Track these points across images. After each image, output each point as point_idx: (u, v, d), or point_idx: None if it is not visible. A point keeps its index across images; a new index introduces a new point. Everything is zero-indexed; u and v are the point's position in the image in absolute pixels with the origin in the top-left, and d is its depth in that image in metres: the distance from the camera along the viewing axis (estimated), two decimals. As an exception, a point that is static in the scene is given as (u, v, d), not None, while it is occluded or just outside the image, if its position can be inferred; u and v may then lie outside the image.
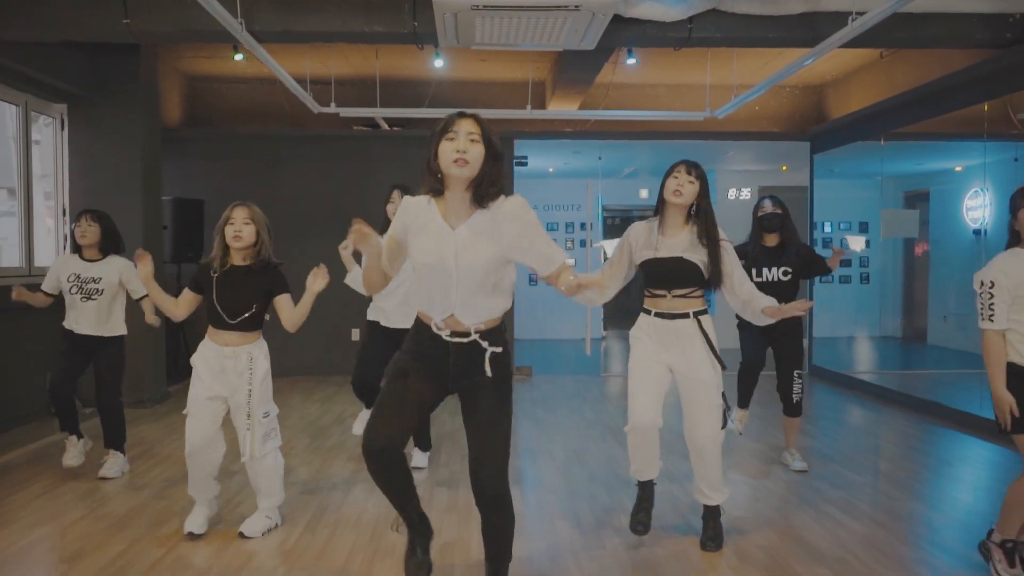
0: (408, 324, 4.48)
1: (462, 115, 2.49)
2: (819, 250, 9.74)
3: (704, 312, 3.45)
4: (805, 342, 10.21)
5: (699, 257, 3.40)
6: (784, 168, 10.85)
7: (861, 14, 4.70)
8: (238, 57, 7.18)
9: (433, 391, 2.63)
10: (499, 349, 2.59)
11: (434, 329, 2.56)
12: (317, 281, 3.54)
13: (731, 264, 3.42)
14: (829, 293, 9.76)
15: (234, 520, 3.87)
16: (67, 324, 4.57)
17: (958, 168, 9.03)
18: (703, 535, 3.57)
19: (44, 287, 4.54)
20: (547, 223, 12.26)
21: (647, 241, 3.48)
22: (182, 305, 3.65)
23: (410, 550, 2.78)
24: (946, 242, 9.55)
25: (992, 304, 3.01)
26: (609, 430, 5.92)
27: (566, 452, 5.29)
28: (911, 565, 3.38)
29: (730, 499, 4.24)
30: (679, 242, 3.43)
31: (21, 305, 4.47)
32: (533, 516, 3.99)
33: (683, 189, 3.36)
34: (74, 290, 4.51)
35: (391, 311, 4.65)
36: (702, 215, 3.41)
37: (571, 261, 2.64)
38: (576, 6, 4.31)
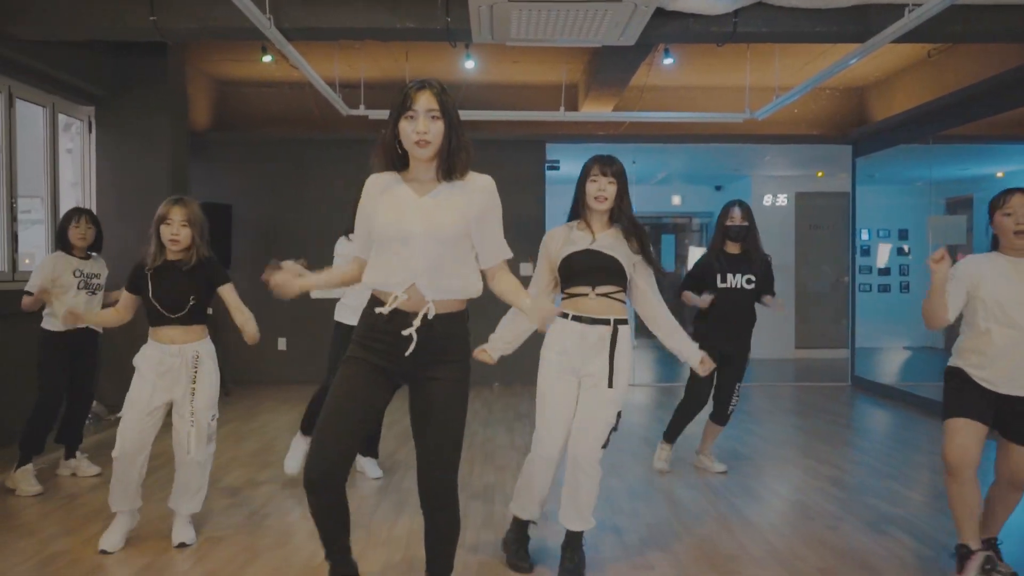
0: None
1: (421, 87, 2.31)
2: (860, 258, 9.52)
3: (624, 322, 3.19)
4: (836, 352, 10.00)
5: (624, 255, 3.19)
6: (820, 174, 10.57)
7: (918, 5, 4.45)
8: (267, 59, 7.08)
9: (384, 389, 2.43)
10: (458, 335, 2.41)
11: (388, 311, 2.33)
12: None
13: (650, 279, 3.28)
14: (870, 303, 9.44)
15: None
16: (54, 326, 4.42)
17: (999, 174, 8.71)
18: (561, 566, 3.22)
19: (32, 288, 4.39)
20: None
21: (567, 239, 3.26)
22: (122, 310, 3.56)
23: None
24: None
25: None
26: (644, 441, 5.67)
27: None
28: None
29: (774, 515, 4.02)
30: (604, 238, 3.22)
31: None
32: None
33: (605, 193, 3.16)
34: (81, 286, 4.47)
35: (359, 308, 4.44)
36: (625, 216, 3.21)
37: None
38: (617, 0, 4.11)
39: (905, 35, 4.81)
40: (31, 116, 6.09)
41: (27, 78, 5.73)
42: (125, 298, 3.55)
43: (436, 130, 2.29)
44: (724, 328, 4.60)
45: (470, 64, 7.05)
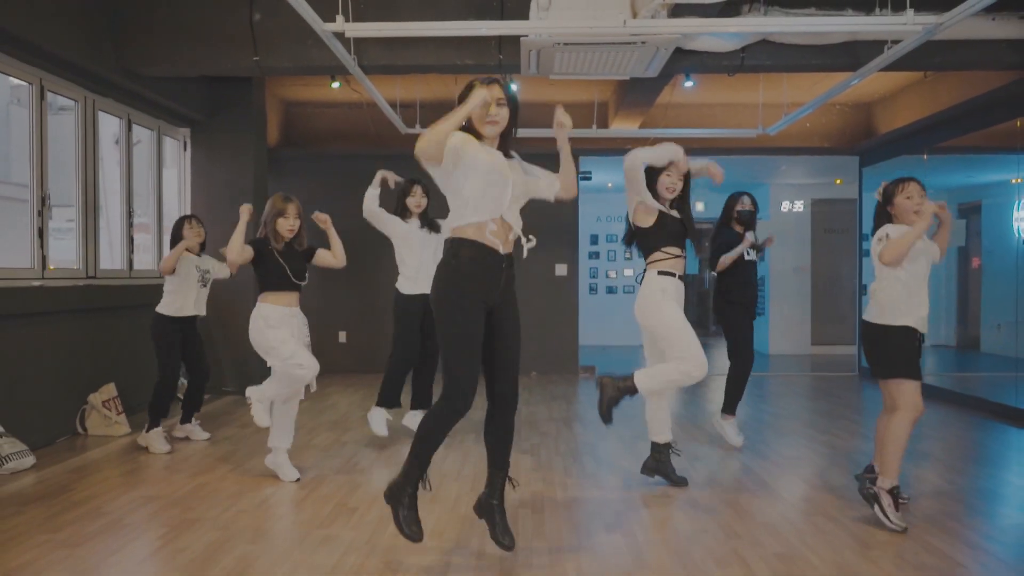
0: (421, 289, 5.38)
1: (491, 81, 3.12)
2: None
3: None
4: (849, 348, 10.76)
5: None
6: (838, 181, 11.37)
7: (896, 43, 5.31)
8: (335, 85, 8.08)
9: (484, 322, 3.12)
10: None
11: (489, 244, 3.05)
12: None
13: None
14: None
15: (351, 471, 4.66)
16: (176, 312, 5.45)
17: (1015, 180, 9.44)
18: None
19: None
20: (605, 235, 12.98)
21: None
22: (245, 252, 4.45)
23: (411, 503, 3.19)
24: (999, 252, 9.94)
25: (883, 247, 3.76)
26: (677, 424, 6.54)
27: (632, 432, 5.93)
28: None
29: (789, 480, 4.87)
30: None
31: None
32: (605, 476, 4.68)
33: (675, 186, 4.40)
34: (197, 277, 5.55)
35: (412, 278, 5.47)
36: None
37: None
38: (643, 42, 5.03)
39: (891, 65, 5.66)
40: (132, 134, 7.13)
41: (141, 106, 6.79)
42: (246, 250, 4.46)
43: (503, 115, 3.13)
44: (750, 293, 5.51)
45: (513, 87, 7.99)
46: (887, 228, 3.85)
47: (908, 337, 3.82)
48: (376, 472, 4.73)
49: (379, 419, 5.48)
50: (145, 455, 5.17)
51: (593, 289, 13.07)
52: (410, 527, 3.15)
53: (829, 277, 12.00)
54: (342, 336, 9.45)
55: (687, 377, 4.10)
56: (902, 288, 3.80)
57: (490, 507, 3.28)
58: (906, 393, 3.78)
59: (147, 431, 5.32)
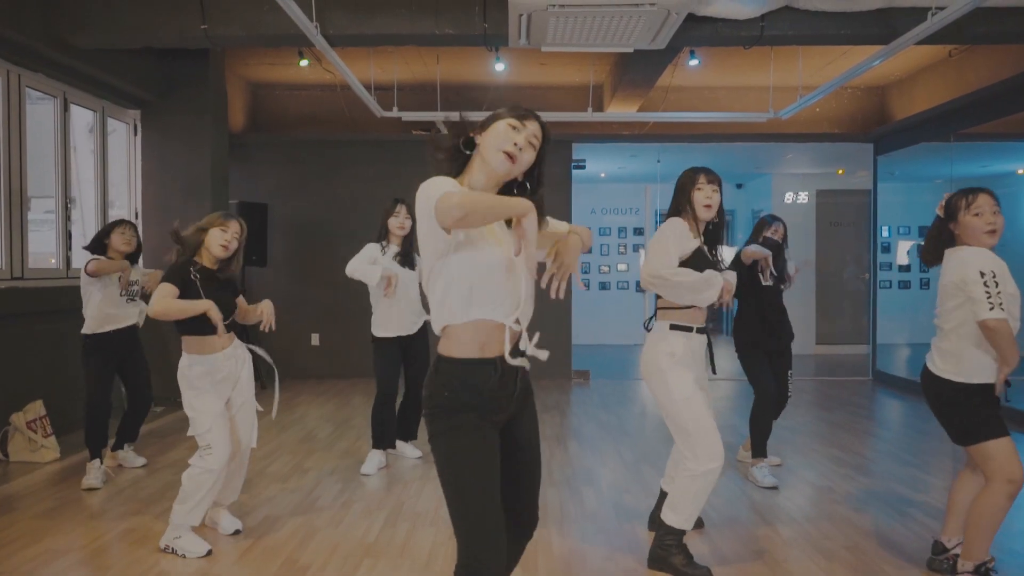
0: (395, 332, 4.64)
1: (535, 116, 2.16)
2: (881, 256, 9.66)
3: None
4: (856, 348, 10.12)
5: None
6: (840, 172, 10.70)
7: (941, 8, 4.61)
8: (303, 63, 7.32)
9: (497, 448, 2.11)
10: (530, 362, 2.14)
11: (493, 354, 2.03)
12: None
13: None
14: (889, 299, 9.57)
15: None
16: (95, 329, 4.58)
17: (1021, 171, 8.80)
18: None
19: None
20: (599, 227, 12.26)
21: (687, 236, 3.28)
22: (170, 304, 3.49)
23: None
24: (1010, 246, 9.29)
25: (999, 293, 2.88)
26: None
27: (635, 454, 5.25)
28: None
29: (802, 498, 4.19)
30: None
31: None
32: (609, 517, 3.97)
33: (711, 201, 3.33)
34: (122, 292, 4.64)
35: (382, 323, 4.76)
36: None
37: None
38: (652, 3, 4.29)
39: (928, 37, 4.96)
40: (75, 118, 6.34)
41: (80, 84, 6.00)
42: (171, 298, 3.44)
43: (527, 158, 2.11)
44: (768, 325, 4.75)
45: (500, 67, 7.25)
46: (974, 262, 2.96)
47: (988, 394, 3.00)
48: (336, 513, 4.00)
49: (372, 461, 4.80)
50: (70, 490, 4.41)
51: (586, 285, 12.35)
52: None
53: (835, 273, 11.34)
54: (315, 339, 8.70)
55: (710, 477, 3.14)
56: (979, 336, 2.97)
57: None
58: (996, 457, 2.94)
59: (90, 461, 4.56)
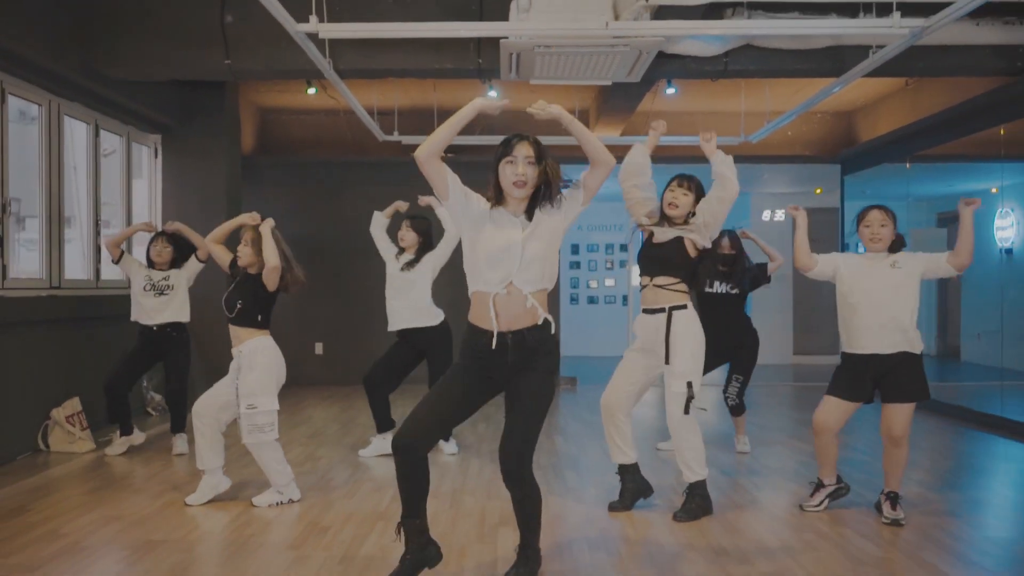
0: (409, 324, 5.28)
1: (520, 138, 2.85)
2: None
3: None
4: (832, 358, 10.67)
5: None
6: (818, 191, 11.33)
7: (881, 47, 5.24)
8: (311, 91, 7.92)
9: (483, 393, 2.98)
10: (551, 326, 2.91)
11: (490, 326, 2.84)
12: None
13: None
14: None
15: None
16: (135, 317, 5.49)
17: (994, 190, 9.45)
18: (681, 507, 4.03)
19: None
20: (586, 244, 12.87)
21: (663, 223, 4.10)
22: (218, 248, 4.48)
23: (400, 566, 2.95)
24: (979, 261, 9.91)
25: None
26: (659, 433, 6.40)
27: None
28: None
29: (773, 487, 4.75)
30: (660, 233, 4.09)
31: None
32: (587, 492, 4.53)
33: (677, 202, 4.08)
34: (144, 285, 5.48)
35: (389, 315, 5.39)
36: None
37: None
38: (625, 45, 4.91)
39: (875, 71, 5.59)
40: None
41: (111, 111, 6.58)
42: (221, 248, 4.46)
43: (532, 174, 2.85)
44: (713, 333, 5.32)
45: (492, 94, 7.86)
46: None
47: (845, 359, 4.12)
48: (349, 489, 4.54)
49: (376, 446, 5.41)
50: (109, 473, 4.96)
51: (574, 299, 12.94)
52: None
53: (811, 287, 11.92)
54: (318, 348, 9.25)
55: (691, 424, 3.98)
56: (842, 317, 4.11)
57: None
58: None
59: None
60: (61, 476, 4.88)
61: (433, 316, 5.33)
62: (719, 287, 5.39)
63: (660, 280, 3.97)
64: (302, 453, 5.53)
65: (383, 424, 5.42)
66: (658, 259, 3.99)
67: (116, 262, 5.54)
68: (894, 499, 3.92)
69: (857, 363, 3.93)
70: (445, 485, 4.62)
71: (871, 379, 3.93)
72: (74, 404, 5.63)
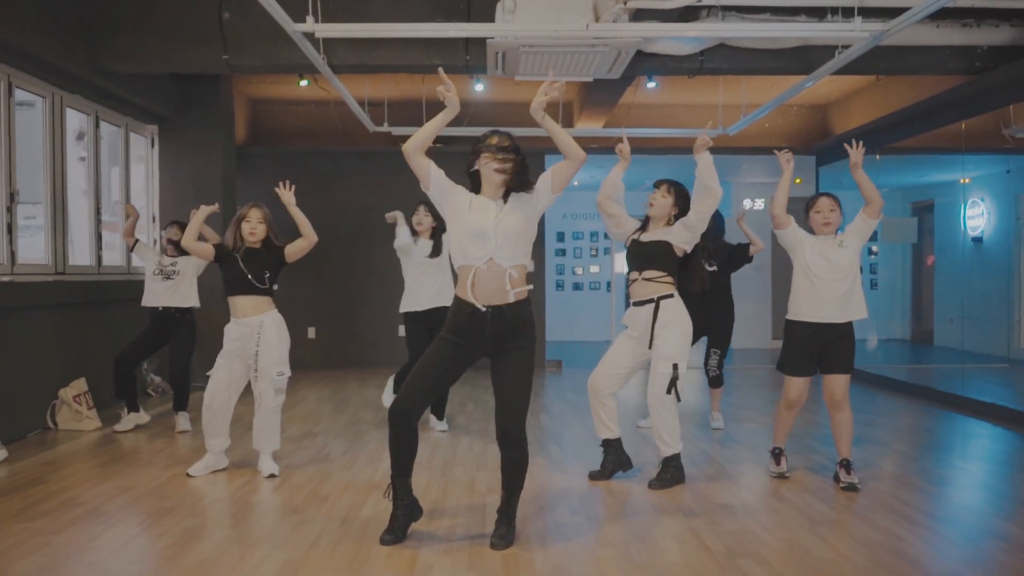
0: (438, 303, 5.56)
1: (495, 133, 3.31)
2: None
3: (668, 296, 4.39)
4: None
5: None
6: (798, 181, 11.68)
7: (846, 47, 5.55)
8: (303, 83, 8.16)
9: (465, 361, 3.37)
10: (527, 304, 3.35)
11: (469, 299, 3.26)
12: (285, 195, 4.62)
13: None
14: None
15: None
16: (145, 301, 5.84)
17: (963, 180, 9.82)
18: (656, 477, 4.38)
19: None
20: (572, 232, 13.19)
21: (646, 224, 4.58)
22: (200, 247, 4.60)
23: (391, 523, 3.42)
24: (951, 249, 10.31)
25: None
26: (638, 411, 6.74)
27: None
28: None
29: (746, 457, 5.08)
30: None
31: None
32: (570, 463, 4.86)
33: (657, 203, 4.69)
34: (154, 269, 5.83)
35: (421, 295, 5.65)
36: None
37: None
38: (604, 45, 5.21)
39: (841, 69, 5.91)
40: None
41: (110, 103, 6.81)
42: (205, 246, 4.62)
43: (507, 165, 3.34)
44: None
45: (479, 87, 8.15)
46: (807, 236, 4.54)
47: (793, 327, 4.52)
48: (346, 463, 4.85)
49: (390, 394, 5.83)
50: (117, 449, 5.24)
51: (560, 285, 13.27)
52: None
53: (789, 273, 12.27)
54: (311, 332, 9.52)
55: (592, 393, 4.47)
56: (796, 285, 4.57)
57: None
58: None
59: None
60: (71, 451, 5.15)
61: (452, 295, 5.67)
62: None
63: (648, 274, 4.35)
64: (300, 430, 5.83)
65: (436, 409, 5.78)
66: (645, 255, 4.37)
67: (131, 250, 5.96)
68: (847, 465, 4.30)
69: (805, 332, 4.33)
70: (437, 458, 4.94)
71: (817, 350, 4.33)
72: (80, 384, 5.89)
